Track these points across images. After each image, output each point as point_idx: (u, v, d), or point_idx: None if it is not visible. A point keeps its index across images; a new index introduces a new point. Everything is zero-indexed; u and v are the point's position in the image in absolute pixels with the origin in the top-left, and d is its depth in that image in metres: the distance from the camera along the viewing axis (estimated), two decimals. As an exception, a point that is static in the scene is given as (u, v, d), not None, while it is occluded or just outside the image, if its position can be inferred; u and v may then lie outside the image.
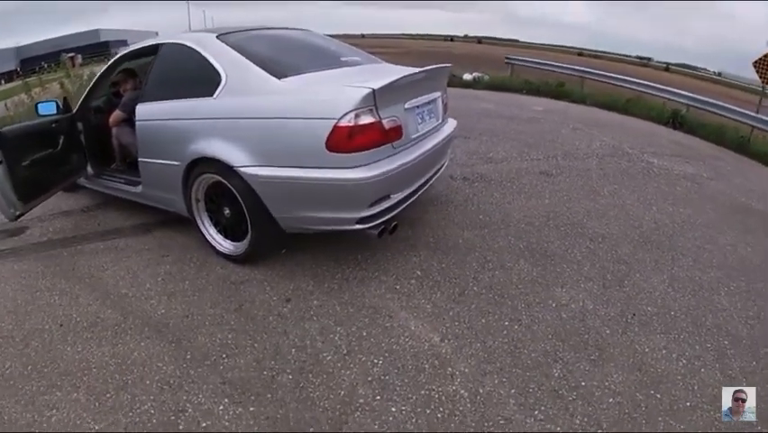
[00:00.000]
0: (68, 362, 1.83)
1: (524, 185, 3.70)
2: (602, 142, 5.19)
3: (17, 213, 2.52)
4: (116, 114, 3.09)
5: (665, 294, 2.34)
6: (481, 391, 1.67)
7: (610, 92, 8.85)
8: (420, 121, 2.43)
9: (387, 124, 2.10)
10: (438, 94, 2.70)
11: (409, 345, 1.88)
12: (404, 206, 2.36)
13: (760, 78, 7.14)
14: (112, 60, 3.30)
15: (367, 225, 2.12)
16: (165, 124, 2.51)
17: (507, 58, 11.26)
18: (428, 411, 1.59)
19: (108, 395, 1.66)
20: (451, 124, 2.93)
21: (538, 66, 10.65)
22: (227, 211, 2.39)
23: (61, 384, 1.71)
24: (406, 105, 2.29)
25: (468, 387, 1.69)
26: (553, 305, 2.19)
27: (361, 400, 1.62)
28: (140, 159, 2.72)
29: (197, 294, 2.23)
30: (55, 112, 2.96)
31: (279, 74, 2.26)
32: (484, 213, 3.15)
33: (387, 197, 2.18)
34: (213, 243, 2.54)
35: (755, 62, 7.10)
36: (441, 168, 2.94)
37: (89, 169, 3.23)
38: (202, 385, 1.69)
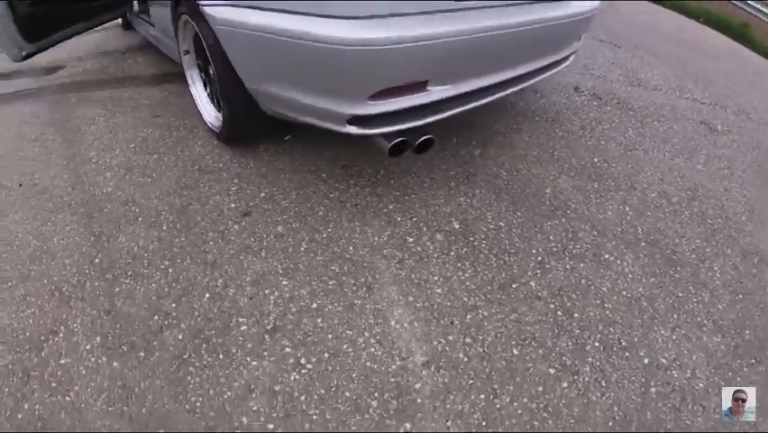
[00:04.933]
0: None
1: (674, 132, 2.49)
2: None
3: (23, 53, 2.16)
4: None
5: None
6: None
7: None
8: None
9: None
10: None
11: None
12: (456, 111, 1.45)
13: None
14: None
15: (368, 131, 1.29)
16: None
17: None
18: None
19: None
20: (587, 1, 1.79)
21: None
22: (212, 70, 1.75)
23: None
24: None
25: None
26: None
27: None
28: None
29: (155, 175, 1.76)
30: None
31: None
32: (602, 155, 2.11)
33: (420, 85, 1.31)
34: (199, 107, 1.98)
35: None
36: (555, 64, 1.89)
37: (135, 4, 2.77)
38: (84, 312, 1.27)
